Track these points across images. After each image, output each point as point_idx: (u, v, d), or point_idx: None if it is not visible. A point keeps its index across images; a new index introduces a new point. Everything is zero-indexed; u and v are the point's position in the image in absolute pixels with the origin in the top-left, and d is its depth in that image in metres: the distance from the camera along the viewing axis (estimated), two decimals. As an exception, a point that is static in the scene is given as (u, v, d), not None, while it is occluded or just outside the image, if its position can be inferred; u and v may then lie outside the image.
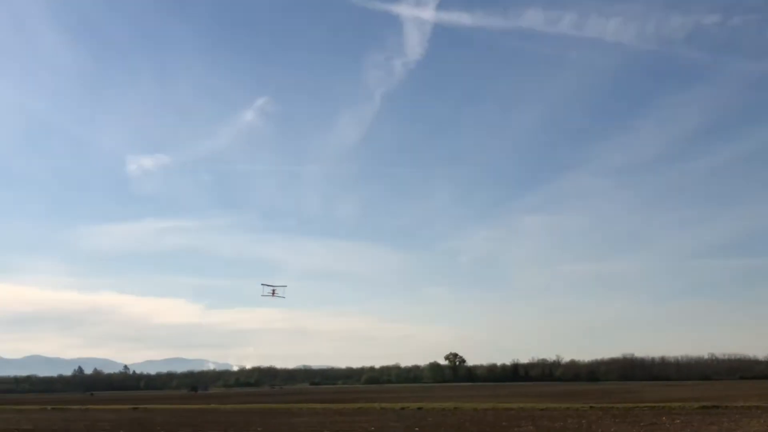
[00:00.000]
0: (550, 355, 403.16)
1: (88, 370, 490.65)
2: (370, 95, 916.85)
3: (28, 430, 64.29)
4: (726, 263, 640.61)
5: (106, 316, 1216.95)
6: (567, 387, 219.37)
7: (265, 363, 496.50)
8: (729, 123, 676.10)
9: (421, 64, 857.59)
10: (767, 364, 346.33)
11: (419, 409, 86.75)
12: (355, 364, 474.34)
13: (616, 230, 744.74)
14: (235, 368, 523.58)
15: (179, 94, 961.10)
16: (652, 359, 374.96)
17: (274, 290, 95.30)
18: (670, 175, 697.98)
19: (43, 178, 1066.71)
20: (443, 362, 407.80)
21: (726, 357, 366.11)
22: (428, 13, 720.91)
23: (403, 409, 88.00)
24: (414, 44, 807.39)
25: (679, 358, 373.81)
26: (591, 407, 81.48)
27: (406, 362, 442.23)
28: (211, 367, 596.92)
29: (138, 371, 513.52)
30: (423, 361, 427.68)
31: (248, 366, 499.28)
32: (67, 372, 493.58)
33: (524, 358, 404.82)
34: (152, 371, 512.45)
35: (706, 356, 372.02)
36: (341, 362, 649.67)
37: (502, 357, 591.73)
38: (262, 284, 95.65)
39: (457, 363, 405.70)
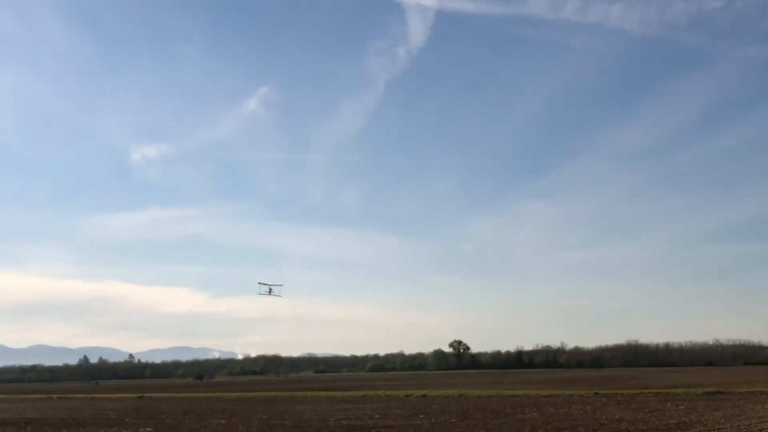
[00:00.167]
0: (554, 342, 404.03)
1: (93, 360, 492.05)
2: (373, 83, 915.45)
3: (34, 419, 64.47)
4: (730, 249, 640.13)
5: (111, 305, 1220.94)
6: (571, 374, 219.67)
7: (269, 351, 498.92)
8: (732, 109, 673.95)
9: (424, 51, 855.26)
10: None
11: (424, 396, 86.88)
12: (360, 352, 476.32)
13: (621, 216, 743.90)
14: (240, 357, 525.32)
15: (182, 83, 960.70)
16: (657, 345, 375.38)
17: (270, 289, 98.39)
18: (674, 161, 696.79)
19: (47, 167, 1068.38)
20: (447, 350, 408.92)
21: (730, 343, 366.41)
22: (431, 0, 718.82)
23: (407, 396, 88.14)
24: (417, 31, 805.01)
25: (684, 344, 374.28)
26: (595, 394, 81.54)
27: (410, 350, 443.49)
28: (216, 355, 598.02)
29: (143, 360, 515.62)
30: (427, 348, 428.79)
31: (253, 354, 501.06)
32: (73, 361, 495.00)
33: (528, 345, 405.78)
34: (157, 360, 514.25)
35: (710, 342, 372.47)
36: (346, 350, 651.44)
37: (506, 344, 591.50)
38: (259, 283, 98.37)
39: (462, 350, 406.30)
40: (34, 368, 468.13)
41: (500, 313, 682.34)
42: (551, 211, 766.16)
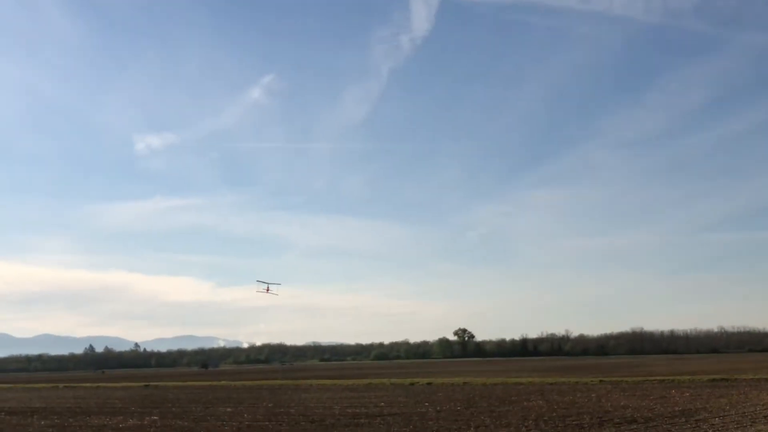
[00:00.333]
0: (559, 330, 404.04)
1: (99, 349, 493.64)
2: (377, 71, 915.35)
3: (41, 408, 64.70)
4: (735, 236, 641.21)
5: (116, 295, 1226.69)
6: (576, 361, 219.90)
7: (275, 340, 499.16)
8: (737, 95, 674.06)
9: (428, 39, 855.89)
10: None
11: (429, 384, 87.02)
12: (365, 340, 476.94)
13: (625, 204, 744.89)
14: (245, 345, 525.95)
15: (186, 73, 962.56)
16: (662, 333, 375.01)
17: (268, 287, 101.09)
18: (678, 148, 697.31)
19: (52, 157, 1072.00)
20: (452, 338, 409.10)
21: (735, 330, 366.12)
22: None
23: (412, 384, 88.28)
24: (421, 19, 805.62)
25: (689, 331, 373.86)
26: (600, 381, 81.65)
27: (415, 338, 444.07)
28: (222, 344, 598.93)
29: (149, 349, 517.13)
30: (432, 337, 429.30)
31: (258, 343, 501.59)
32: (78, 350, 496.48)
33: (533, 333, 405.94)
34: (163, 349, 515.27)
35: (715, 329, 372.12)
36: (351, 338, 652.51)
37: (511, 332, 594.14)
38: (258, 281, 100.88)
39: (466, 338, 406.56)
40: (39, 357, 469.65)
41: (505, 301, 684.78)
42: (556, 198, 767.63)
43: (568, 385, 77.08)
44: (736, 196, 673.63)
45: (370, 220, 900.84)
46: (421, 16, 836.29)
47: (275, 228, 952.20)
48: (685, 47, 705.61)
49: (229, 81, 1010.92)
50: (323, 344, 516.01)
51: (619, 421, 38.59)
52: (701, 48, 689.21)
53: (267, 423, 43.73)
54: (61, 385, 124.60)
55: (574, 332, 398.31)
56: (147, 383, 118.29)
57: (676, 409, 45.43)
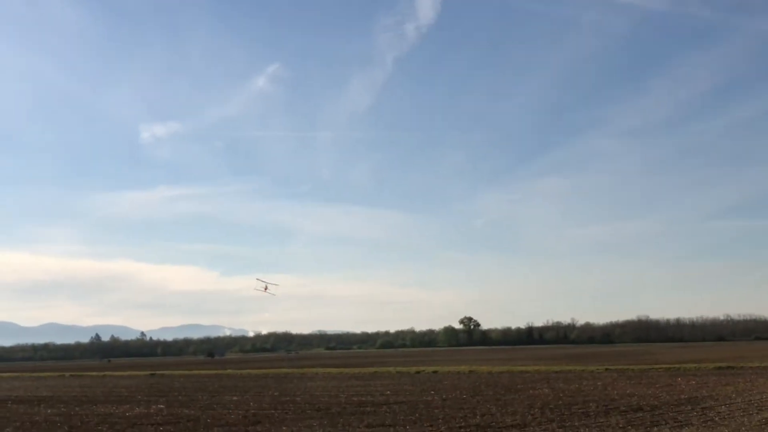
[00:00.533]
0: (564, 318, 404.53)
1: (105, 338, 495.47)
2: (382, 60, 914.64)
3: (47, 397, 64.91)
4: (741, 224, 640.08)
5: (121, 284, 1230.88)
6: (582, 349, 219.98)
7: (280, 328, 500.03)
8: (743, 82, 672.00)
9: (434, 27, 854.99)
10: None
11: (434, 372, 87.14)
12: (370, 328, 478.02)
13: (631, 192, 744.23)
14: (251, 334, 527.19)
15: (191, 62, 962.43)
16: (667, 321, 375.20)
17: (266, 287, 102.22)
18: (684, 136, 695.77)
19: (57, 147, 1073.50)
20: (458, 326, 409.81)
21: (741, 318, 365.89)
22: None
23: (418, 372, 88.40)
24: (426, 7, 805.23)
25: (694, 319, 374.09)
26: (606, 369, 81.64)
27: (420, 326, 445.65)
28: (227, 333, 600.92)
29: (154, 338, 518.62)
30: (438, 325, 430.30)
31: (264, 332, 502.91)
32: (85, 339, 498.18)
33: (539, 322, 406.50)
34: (169, 338, 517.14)
35: (721, 317, 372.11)
36: (356, 327, 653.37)
37: (517, 320, 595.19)
38: (257, 279, 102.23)
39: (472, 327, 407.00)
40: (46, 346, 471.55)
41: (511, 289, 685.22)
42: (562, 186, 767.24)
43: (574, 373, 77.09)
44: (742, 184, 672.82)
45: (376, 208, 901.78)
46: (426, 4, 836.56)
47: (280, 217, 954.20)
48: (691, 34, 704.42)
49: (234, 70, 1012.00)
50: (329, 333, 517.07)
51: (625, 409, 38.55)
52: (708, 35, 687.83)
53: (273, 411, 43.79)
54: (67, 374, 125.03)
55: (580, 320, 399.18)
56: (153, 372, 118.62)
57: (682, 397, 45.39)
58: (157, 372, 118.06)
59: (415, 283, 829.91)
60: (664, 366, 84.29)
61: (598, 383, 59.64)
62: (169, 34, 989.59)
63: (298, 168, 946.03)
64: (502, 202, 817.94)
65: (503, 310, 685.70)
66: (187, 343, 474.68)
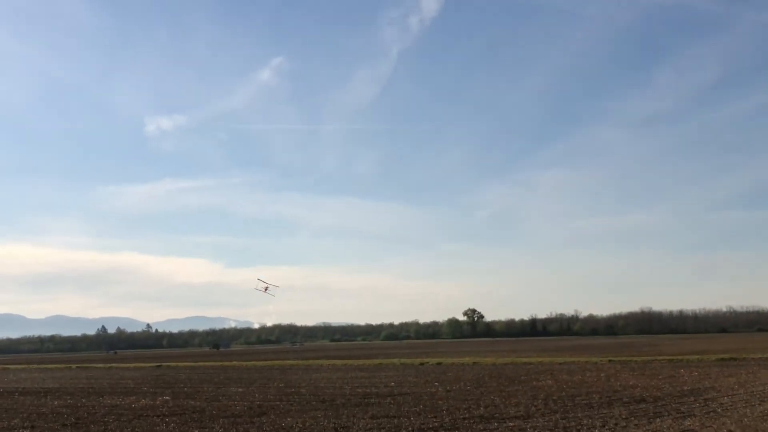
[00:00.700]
0: (568, 310, 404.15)
1: (111, 329, 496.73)
2: (387, 52, 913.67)
3: (54, 389, 65.33)
4: (744, 215, 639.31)
5: (127, 276, 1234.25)
6: (585, 341, 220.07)
7: (285, 320, 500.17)
8: (746, 74, 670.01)
9: (438, 20, 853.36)
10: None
11: (438, 364, 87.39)
12: (375, 320, 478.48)
13: (634, 184, 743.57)
14: (256, 326, 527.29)
15: (195, 55, 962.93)
16: (670, 312, 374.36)
17: (266, 287, 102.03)
18: (688, 127, 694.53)
19: (63, 139, 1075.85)
20: (462, 318, 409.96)
21: (744, 309, 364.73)
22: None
23: (422, 364, 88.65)
24: (430, 0, 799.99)
25: (697, 311, 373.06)
26: (609, 361, 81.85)
27: (424, 318, 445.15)
28: (233, 324, 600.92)
29: (160, 330, 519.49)
30: (441, 317, 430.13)
31: (269, 323, 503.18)
32: (91, 331, 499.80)
33: (542, 314, 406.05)
34: (174, 330, 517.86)
35: (723, 309, 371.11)
36: (361, 319, 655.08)
37: (520, 312, 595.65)
38: (258, 279, 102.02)
39: (476, 318, 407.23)
40: (52, 338, 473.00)
41: (514, 281, 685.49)
42: (565, 178, 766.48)
43: (577, 364, 77.32)
44: (745, 175, 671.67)
45: (380, 200, 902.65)
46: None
47: (285, 209, 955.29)
48: (694, 26, 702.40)
49: (239, 62, 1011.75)
50: (333, 325, 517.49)
51: (628, 401, 38.78)
52: (711, 27, 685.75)
53: (278, 402, 44.09)
54: (73, 366, 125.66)
55: (583, 312, 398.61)
56: (159, 364, 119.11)
57: (685, 388, 45.61)
58: (163, 364, 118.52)
59: (419, 275, 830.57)
60: (666, 357, 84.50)
61: (602, 374, 59.88)
62: (175, 27, 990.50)
63: (302, 160, 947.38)
64: (506, 193, 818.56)
65: (507, 302, 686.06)
66: (192, 334, 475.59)
